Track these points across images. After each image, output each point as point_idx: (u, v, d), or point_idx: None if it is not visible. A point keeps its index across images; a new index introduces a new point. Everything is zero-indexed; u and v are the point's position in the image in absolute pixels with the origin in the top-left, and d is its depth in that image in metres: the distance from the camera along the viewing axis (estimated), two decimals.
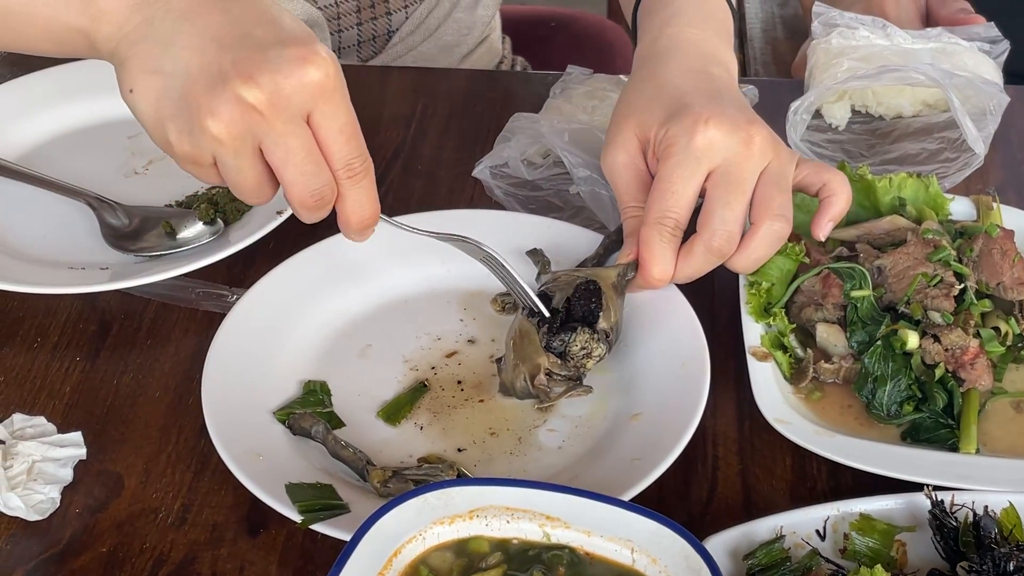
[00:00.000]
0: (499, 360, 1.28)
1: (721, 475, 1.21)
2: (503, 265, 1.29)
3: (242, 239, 1.39)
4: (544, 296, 1.30)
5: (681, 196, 1.24)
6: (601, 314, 1.28)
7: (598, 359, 1.28)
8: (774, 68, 2.23)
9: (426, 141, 1.65)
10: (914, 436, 1.22)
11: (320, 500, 1.11)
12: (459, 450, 1.21)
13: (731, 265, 1.27)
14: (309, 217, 1.11)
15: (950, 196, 1.41)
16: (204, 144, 1.04)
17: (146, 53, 1.06)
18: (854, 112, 1.63)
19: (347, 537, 0.98)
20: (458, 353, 1.32)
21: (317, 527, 1.08)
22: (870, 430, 1.23)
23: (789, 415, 1.21)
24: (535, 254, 1.39)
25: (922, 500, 1.08)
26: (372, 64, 1.88)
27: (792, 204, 1.26)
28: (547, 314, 1.28)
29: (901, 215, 1.40)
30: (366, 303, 1.37)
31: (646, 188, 1.29)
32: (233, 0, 1.07)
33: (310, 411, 1.21)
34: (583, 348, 1.26)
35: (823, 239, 1.30)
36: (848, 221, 1.44)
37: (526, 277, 1.33)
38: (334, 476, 1.15)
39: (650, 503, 1.10)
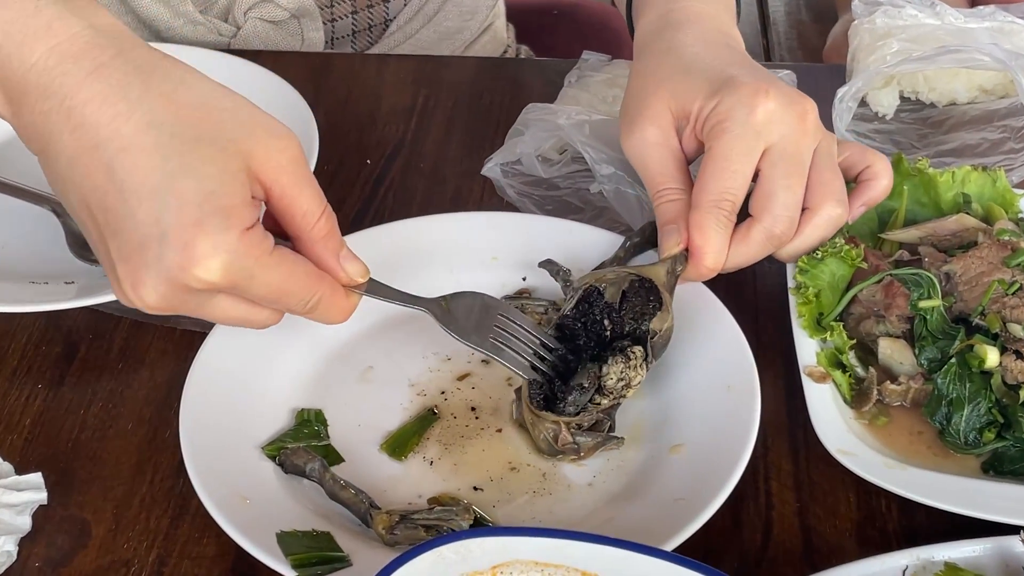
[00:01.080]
0: (518, 390, 1.14)
1: (776, 515, 1.09)
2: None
3: None
4: (593, 292, 1.15)
5: (740, 176, 1.12)
6: (658, 315, 1.13)
7: (639, 386, 1.12)
8: (800, 53, 2.09)
9: (429, 136, 1.51)
10: (997, 468, 1.09)
11: (317, 551, 0.99)
12: (475, 488, 1.08)
13: (782, 253, 1.17)
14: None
15: (1019, 191, 1.29)
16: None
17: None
18: (902, 99, 1.51)
19: None
20: (471, 375, 1.19)
21: None
22: (946, 461, 1.10)
23: (852, 444, 1.09)
24: (550, 265, 1.24)
25: (1015, 545, 0.98)
26: (369, 53, 1.78)
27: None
28: (536, 376, 1.12)
29: (967, 214, 1.26)
30: (366, 320, 1.21)
31: (683, 169, 1.19)
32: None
33: (304, 445, 1.09)
34: (619, 379, 1.11)
35: (850, 222, 1.20)
36: (906, 221, 1.29)
37: (545, 290, 1.21)
38: (333, 521, 1.03)
39: (696, 550, 1.01)
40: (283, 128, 0.96)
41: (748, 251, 1.15)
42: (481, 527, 1.03)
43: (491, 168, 1.44)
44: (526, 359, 1.12)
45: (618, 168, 1.37)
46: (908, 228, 1.28)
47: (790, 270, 1.24)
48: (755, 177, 1.15)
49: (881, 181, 1.21)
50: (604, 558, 0.91)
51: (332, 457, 1.11)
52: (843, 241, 1.21)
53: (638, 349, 1.12)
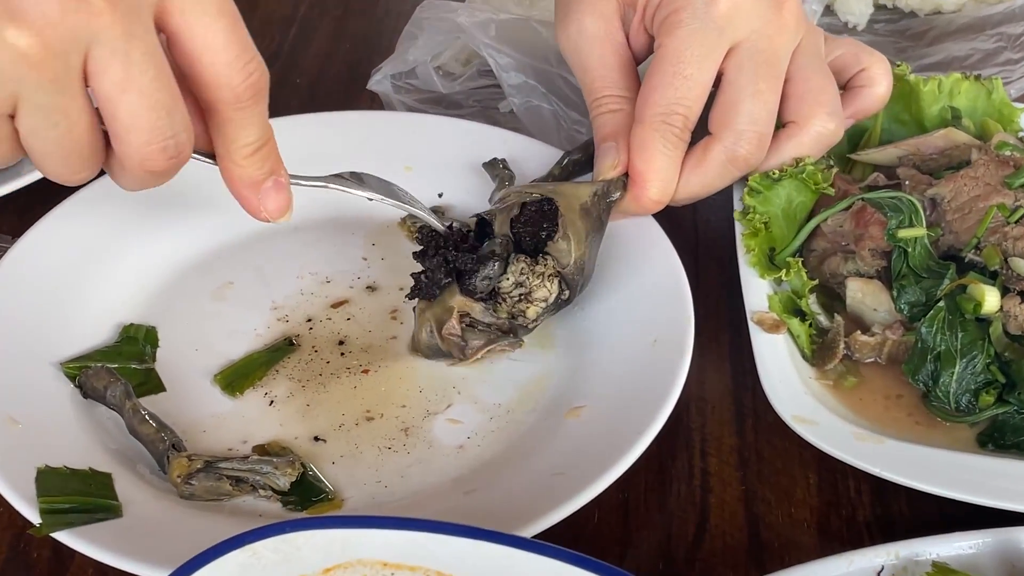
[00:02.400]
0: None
1: (715, 501, 0.90)
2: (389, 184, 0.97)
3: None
4: (481, 222, 0.96)
5: (695, 82, 0.95)
6: (553, 243, 0.93)
7: (544, 306, 0.93)
8: None
9: (310, 48, 1.30)
10: (996, 440, 0.91)
11: (81, 495, 0.84)
12: (316, 439, 0.92)
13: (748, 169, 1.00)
14: (149, 181, 0.81)
15: (1020, 105, 1.12)
16: (2, 71, 0.72)
17: None
18: (877, 7, 1.36)
19: (107, 557, 0.78)
20: (349, 303, 1.03)
21: (62, 537, 0.80)
22: (932, 432, 0.92)
23: (813, 410, 0.90)
24: (493, 167, 1.08)
25: (1021, 537, 0.81)
26: None
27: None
28: (441, 228, 0.96)
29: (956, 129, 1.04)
30: (237, 228, 1.06)
31: (628, 71, 1.01)
32: None
33: (115, 366, 0.94)
34: (518, 284, 0.93)
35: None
36: (884, 140, 1.08)
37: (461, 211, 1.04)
38: (124, 462, 0.89)
39: (609, 543, 0.86)
40: None
41: (704, 178, 0.97)
42: (308, 487, 0.88)
43: (380, 81, 1.22)
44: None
45: (530, 78, 1.15)
46: (885, 147, 1.07)
47: (737, 192, 1.00)
48: (717, 84, 0.97)
49: (877, 88, 1.03)
50: (473, 556, 0.72)
51: (151, 384, 0.96)
52: (811, 160, 0.97)
53: (550, 263, 0.93)
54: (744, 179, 1.00)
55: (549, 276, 0.92)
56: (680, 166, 0.97)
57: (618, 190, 0.97)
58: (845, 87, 1.03)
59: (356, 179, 0.95)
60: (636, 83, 1.00)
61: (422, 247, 0.95)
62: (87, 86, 0.75)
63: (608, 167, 0.98)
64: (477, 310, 0.93)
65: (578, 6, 1.01)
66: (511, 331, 0.94)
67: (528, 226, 0.94)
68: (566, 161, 1.06)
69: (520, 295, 0.92)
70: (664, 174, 0.96)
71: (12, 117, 0.74)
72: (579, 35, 1.01)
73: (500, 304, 0.93)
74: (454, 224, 0.96)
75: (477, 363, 0.94)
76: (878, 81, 1.02)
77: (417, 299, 0.95)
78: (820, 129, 0.97)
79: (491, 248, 0.92)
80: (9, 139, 0.76)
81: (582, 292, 0.97)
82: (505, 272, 0.92)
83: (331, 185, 0.93)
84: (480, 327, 0.93)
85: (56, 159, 0.77)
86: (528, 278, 0.92)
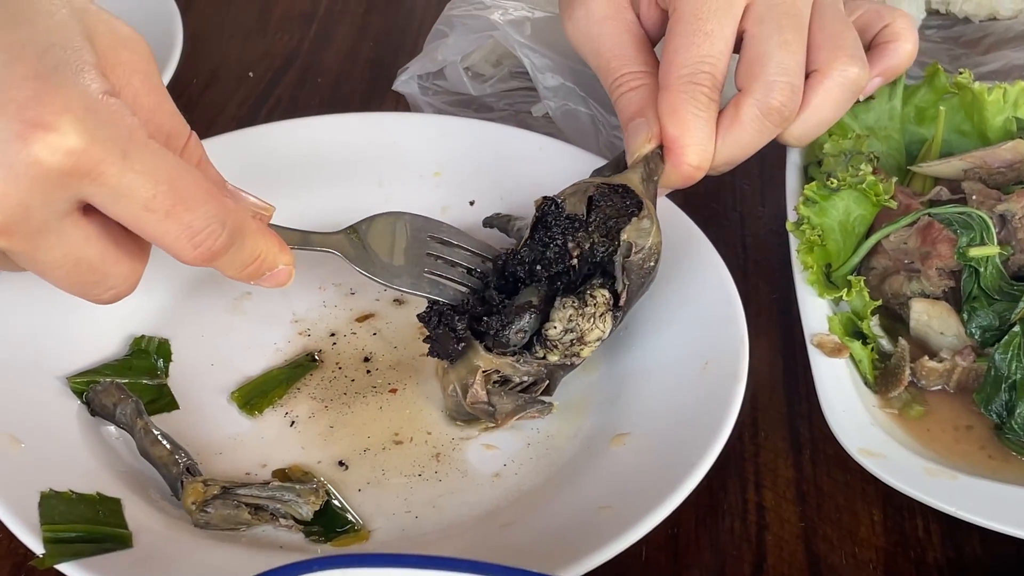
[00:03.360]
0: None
1: (771, 539, 0.82)
2: None
3: None
4: (549, 205, 0.88)
5: (717, 38, 0.89)
6: (637, 220, 0.85)
7: (598, 344, 0.85)
8: None
9: (331, 46, 1.24)
10: None
11: (88, 523, 0.78)
12: (340, 464, 0.86)
13: (789, 136, 0.94)
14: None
15: None
16: None
17: None
18: (929, 12, 1.28)
19: None
20: (375, 317, 0.96)
21: (68, 569, 0.74)
22: (1006, 466, 0.85)
23: (878, 442, 0.83)
24: (499, 220, 0.99)
25: None
26: None
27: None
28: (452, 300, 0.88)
29: None
30: None
31: (644, 47, 0.95)
32: None
33: (125, 381, 0.89)
34: (568, 331, 0.84)
35: (861, 99, 0.99)
36: (942, 153, 1.00)
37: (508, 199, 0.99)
38: (134, 486, 0.83)
39: None
40: (128, 28, 0.76)
41: (742, 136, 0.90)
42: (332, 517, 0.81)
43: (406, 82, 1.15)
44: (465, 285, 0.88)
45: (567, 79, 1.08)
46: (948, 159, 0.99)
47: (790, 202, 0.93)
48: (739, 46, 0.91)
49: (904, 44, 0.98)
50: None
51: (163, 401, 0.90)
52: (870, 169, 0.90)
53: (602, 293, 0.85)
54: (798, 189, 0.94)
55: (600, 316, 0.84)
56: (715, 128, 0.90)
57: (658, 165, 0.90)
58: (870, 45, 0.97)
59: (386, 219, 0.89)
60: (655, 60, 0.94)
61: (426, 312, 0.86)
62: None
63: (642, 142, 0.91)
64: (507, 364, 0.84)
65: None
66: (549, 377, 0.85)
67: (610, 202, 0.86)
68: (610, 167, 0.98)
69: (571, 340, 0.84)
70: (700, 136, 0.89)
71: None
72: (587, 19, 0.96)
73: (552, 350, 0.84)
74: (498, 259, 0.88)
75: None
76: (903, 36, 0.97)
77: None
78: (843, 74, 0.91)
79: (527, 299, 0.85)
80: None
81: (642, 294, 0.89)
82: (548, 320, 0.84)
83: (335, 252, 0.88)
84: (513, 382, 0.85)
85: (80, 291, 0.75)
86: (578, 323, 0.84)
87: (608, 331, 0.84)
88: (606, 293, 0.84)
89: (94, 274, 0.73)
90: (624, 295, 0.85)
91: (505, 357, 0.83)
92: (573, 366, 0.85)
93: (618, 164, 0.95)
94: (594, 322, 0.84)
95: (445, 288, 0.87)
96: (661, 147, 0.89)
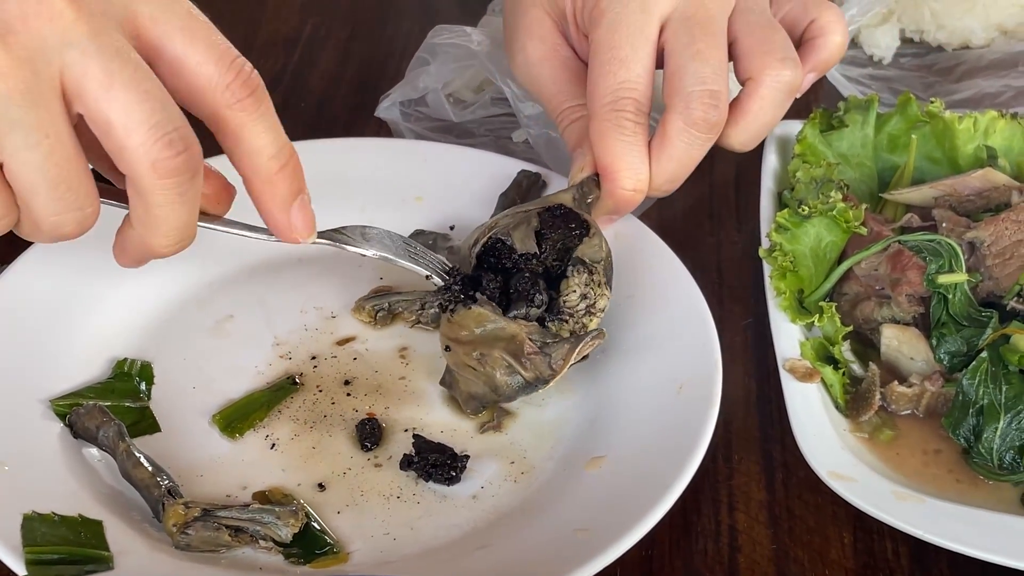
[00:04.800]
0: (443, 379, 0.93)
1: (744, 561, 0.84)
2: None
3: None
4: (496, 245, 0.90)
5: (632, 62, 0.92)
6: (589, 239, 0.89)
7: (602, 316, 0.88)
8: None
9: (315, 70, 1.24)
10: None
11: (69, 545, 0.78)
12: (320, 486, 0.86)
13: (731, 140, 0.95)
14: (173, 198, 0.75)
15: None
16: None
17: None
18: (903, 40, 1.29)
19: None
20: (356, 340, 0.97)
21: None
22: (974, 490, 0.86)
23: (848, 465, 0.85)
24: (421, 237, 1.02)
25: None
26: None
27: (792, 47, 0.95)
28: (440, 280, 0.91)
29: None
30: (237, 258, 1.01)
31: (582, 81, 0.97)
32: None
33: (108, 404, 0.89)
34: (583, 297, 0.87)
35: (798, 95, 0.98)
36: (915, 179, 1.02)
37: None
38: (115, 509, 0.83)
39: None
40: None
41: (674, 152, 0.92)
42: (312, 539, 0.82)
43: (388, 108, 1.15)
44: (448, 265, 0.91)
45: None
46: (919, 186, 1.01)
47: (764, 229, 0.95)
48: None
49: (833, 38, 0.98)
50: None
51: (145, 424, 0.91)
52: (840, 196, 0.92)
53: (599, 268, 0.88)
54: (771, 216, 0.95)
55: (606, 284, 0.87)
56: (646, 151, 0.92)
57: (593, 190, 0.93)
58: (800, 41, 0.98)
59: (360, 234, 0.90)
60: None
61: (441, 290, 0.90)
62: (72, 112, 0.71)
63: (576, 171, 0.95)
64: (536, 331, 0.86)
65: (519, 34, 1.00)
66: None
67: (557, 230, 0.89)
68: (523, 178, 1.03)
69: (585, 308, 0.86)
70: (630, 160, 0.92)
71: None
72: (526, 63, 1.00)
73: (564, 322, 0.86)
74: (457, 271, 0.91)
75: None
76: (831, 29, 0.97)
77: (467, 362, 0.87)
78: (776, 79, 0.92)
79: (529, 268, 0.87)
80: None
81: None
82: (569, 286, 0.87)
83: (333, 243, 0.89)
84: (549, 343, 0.86)
85: (44, 192, 0.71)
86: (592, 288, 0.86)
87: (609, 303, 0.87)
88: (600, 266, 0.88)
89: (158, 90, 0.72)
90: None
91: (531, 324, 0.85)
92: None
93: (519, 184, 1.01)
94: (601, 289, 0.86)
95: (431, 261, 0.90)
96: (596, 174, 0.92)
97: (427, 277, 0.90)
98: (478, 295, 0.87)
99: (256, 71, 0.77)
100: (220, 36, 0.76)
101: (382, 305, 0.96)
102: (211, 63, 0.74)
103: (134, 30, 0.73)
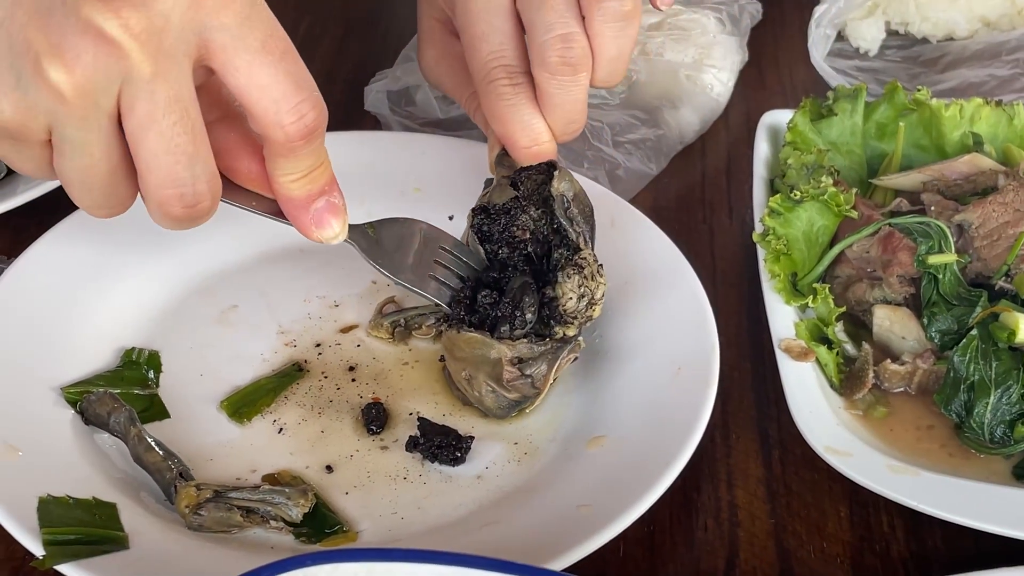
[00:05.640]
0: (444, 367, 0.95)
1: (744, 535, 0.85)
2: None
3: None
4: (479, 216, 0.92)
5: (493, 33, 0.95)
6: (559, 177, 0.91)
7: (603, 297, 0.89)
8: None
9: (310, 67, 1.18)
10: None
11: (85, 527, 0.79)
12: (328, 468, 0.88)
13: (596, 80, 0.95)
14: (169, 225, 0.80)
15: None
16: (37, 103, 0.73)
17: None
18: (889, 32, 1.32)
19: None
20: (359, 328, 0.99)
21: (67, 569, 0.76)
22: (966, 463, 0.88)
23: (844, 441, 0.87)
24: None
25: None
26: None
27: None
28: (444, 306, 0.92)
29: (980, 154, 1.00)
30: (242, 250, 1.03)
31: None
32: None
33: (118, 391, 0.90)
34: (581, 296, 0.87)
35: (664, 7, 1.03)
36: (903, 165, 1.04)
37: None
38: (128, 492, 0.84)
39: None
40: None
41: (554, 99, 0.93)
42: (321, 519, 0.84)
43: (376, 100, 1.17)
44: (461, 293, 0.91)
45: None
46: (907, 172, 1.03)
47: (757, 214, 0.97)
48: None
49: None
50: None
51: (155, 410, 0.92)
52: (831, 181, 0.94)
53: (587, 252, 0.89)
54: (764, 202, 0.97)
55: (598, 271, 0.88)
56: (534, 107, 0.94)
57: (510, 162, 0.95)
58: None
59: (397, 236, 0.92)
60: None
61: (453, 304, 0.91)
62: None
63: (490, 151, 0.98)
64: (523, 349, 0.87)
65: (420, 43, 1.05)
66: (563, 340, 0.88)
67: (526, 178, 0.91)
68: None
69: (586, 304, 0.87)
70: (517, 121, 0.94)
71: (49, 141, 0.74)
72: (427, 67, 1.04)
73: (570, 324, 0.87)
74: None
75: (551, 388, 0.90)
76: None
77: (463, 373, 0.89)
78: (604, 10, 0.92)
79: (518, 282, 0.88)
80: (44, 161, 0.76)
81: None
82: (564, 293, 0.87)
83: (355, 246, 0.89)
84: (537, 355, 0.87)
85: (80, 188, 0.77)
86: (588, 286, 0.87)
87: (607, 284, 0.88)
88: (589, 254, 0.88)
89: (192, 147, 0.75)
90: (583, 239, 0.89)
91: (518, 342, 0.86)
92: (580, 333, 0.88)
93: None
94: (596, 280, 0.87)
95: (444, 293, 0.90)
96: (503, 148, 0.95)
97: (436, 305, 0.91)
98: (468, 319, 0.88)
99: (323, 110, 0.78)
100: (291, 68, 0.76)
101: (398, 321, 0.97)
102: (271, 102, 0.75)
103: (205, 55, 0.74)
